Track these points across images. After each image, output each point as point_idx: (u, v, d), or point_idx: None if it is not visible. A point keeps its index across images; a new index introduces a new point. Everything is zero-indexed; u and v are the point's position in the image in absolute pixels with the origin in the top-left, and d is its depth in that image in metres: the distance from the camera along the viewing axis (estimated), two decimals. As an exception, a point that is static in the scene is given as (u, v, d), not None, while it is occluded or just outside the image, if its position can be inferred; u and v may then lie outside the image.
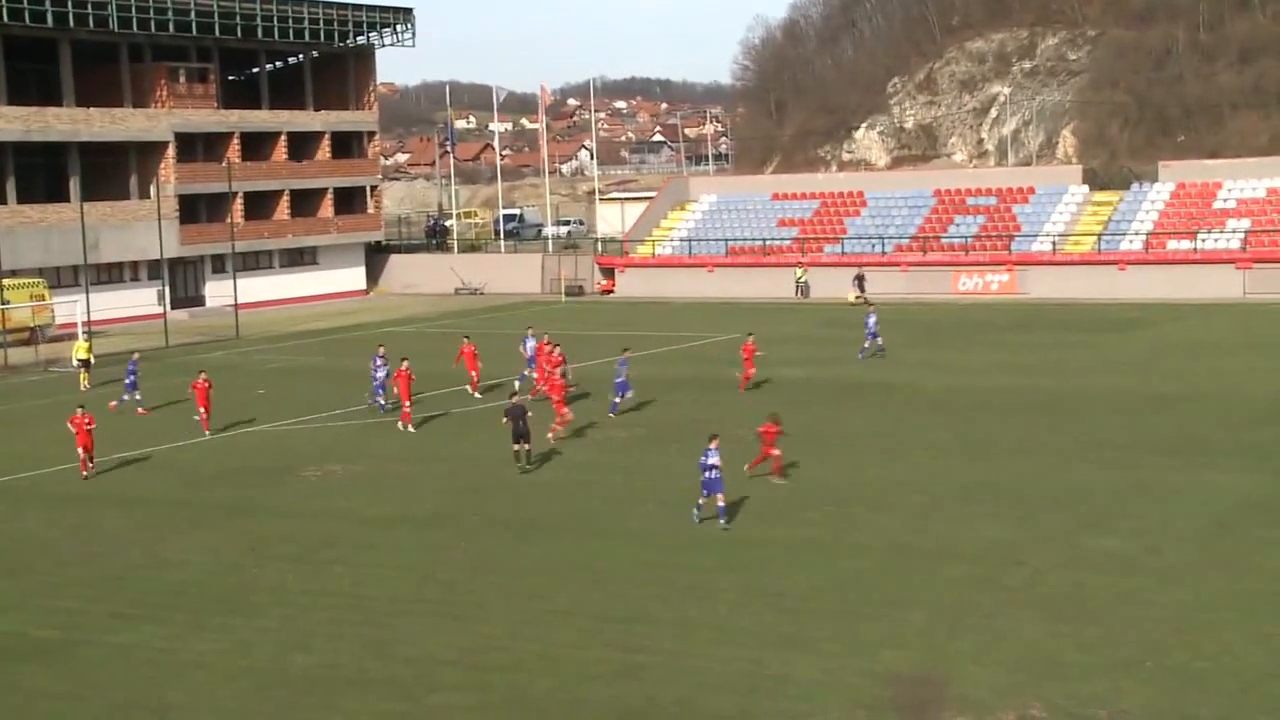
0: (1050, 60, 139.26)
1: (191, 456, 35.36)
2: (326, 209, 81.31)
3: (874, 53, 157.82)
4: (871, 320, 47.76)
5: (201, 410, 37.61)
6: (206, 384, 37.64)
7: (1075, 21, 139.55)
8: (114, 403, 41.79)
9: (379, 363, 40.12)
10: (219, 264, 74.02)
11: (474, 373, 42.27)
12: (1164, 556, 23.38)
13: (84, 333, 52.01)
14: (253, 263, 76.71)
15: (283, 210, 78.96)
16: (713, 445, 26.05)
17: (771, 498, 28.38)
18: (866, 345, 47.31)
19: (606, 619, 21.22)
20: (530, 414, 32.12)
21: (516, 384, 40.23)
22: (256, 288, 74.74)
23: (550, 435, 34.23)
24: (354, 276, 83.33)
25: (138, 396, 41.81)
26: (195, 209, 74.67)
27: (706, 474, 25.89)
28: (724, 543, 25.20)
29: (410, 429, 37.23)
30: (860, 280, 67.25)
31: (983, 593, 21.74)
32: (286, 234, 79.00)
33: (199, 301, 74.91)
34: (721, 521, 25.83)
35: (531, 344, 42.28)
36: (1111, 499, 27.33)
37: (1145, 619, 20.21)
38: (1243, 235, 65.79)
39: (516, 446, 31.61)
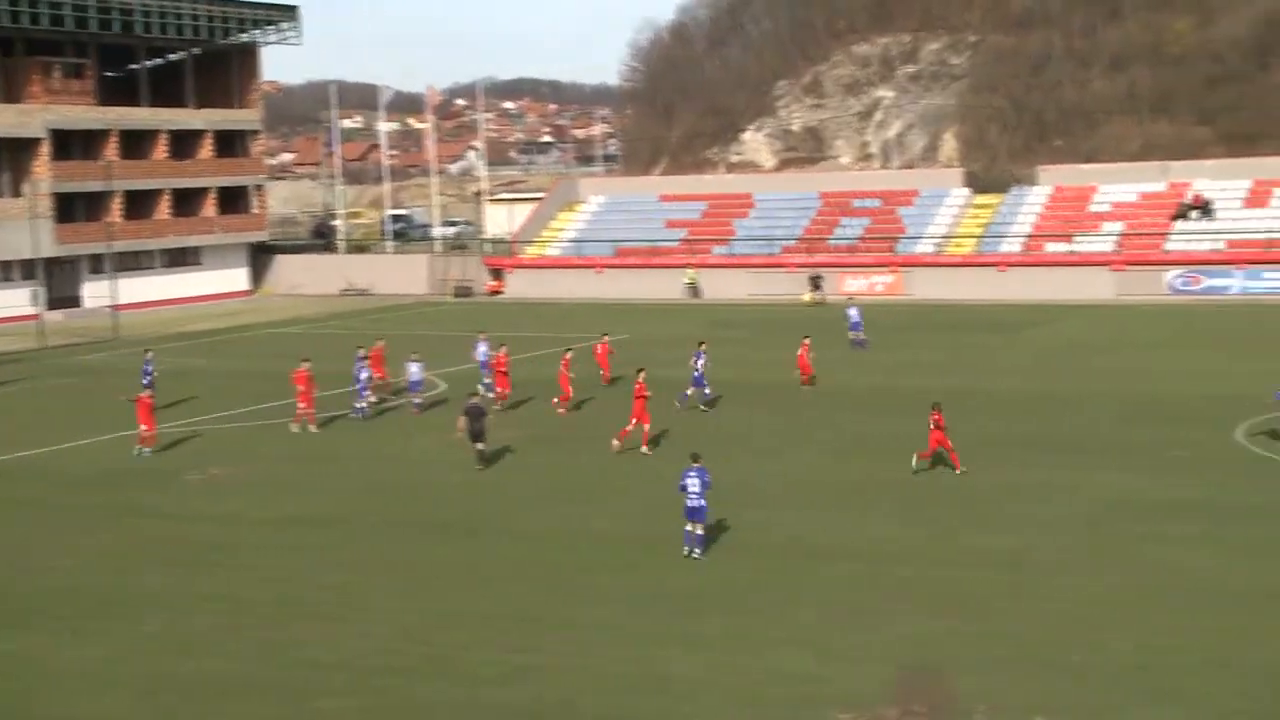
0: (933, 65, 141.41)
1: (70, 461, 34.61)
2: (210, 209, 79.98)
3: (761, 55, 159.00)
4: (854, 312, 50.34)
5: (143, 427, 35.43)
6: (150, 399, 36.15)
7: (956, 27, 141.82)
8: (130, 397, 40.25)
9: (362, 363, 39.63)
10: (98, 264, 72.38)
11: (382, 374, 41.75)
12: (1043, 553, 23.92)
13: None
14: (133, 263, 75.10)
15: (164, 210, 77.51)
16: (696, 465, 23.89)
17: (661, 497, 28.55)
18: (863, 336, 49.57)
19: (496, 620, 21.20)
20: (488, 415, 32.74)
21: (479, 387, 39.74)
22: (137, 288, 73.13)
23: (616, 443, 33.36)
24: (238, 277, 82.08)
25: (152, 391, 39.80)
26: (72, 208, 72.98)
27: (689, 501, 23.61)
28: (614, 543, 25.29)
29: (311, 429, 36.88)
30: (816, 280, 67.98)
31: (869, 590, 22.08)
32: (168, 234, 77.59)
33: (75, 302, 73.22)
34: (696, 551, 23.83)
35: (483, 349, 41.77)
36: (993, 497, 27.89)
37: (1025, 614, 20.67)
38: (1116, 238, 67.46)
39: (480, 446, 31.81)
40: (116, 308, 63.32)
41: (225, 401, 42.12)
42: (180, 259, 79.31)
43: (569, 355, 39.30)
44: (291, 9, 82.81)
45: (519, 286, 76.46)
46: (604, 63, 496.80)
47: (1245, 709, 17.04)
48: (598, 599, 22.05)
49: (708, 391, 38.60)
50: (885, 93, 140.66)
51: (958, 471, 29.53)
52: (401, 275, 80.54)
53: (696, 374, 38.40)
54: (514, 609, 21.72)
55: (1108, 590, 21.71)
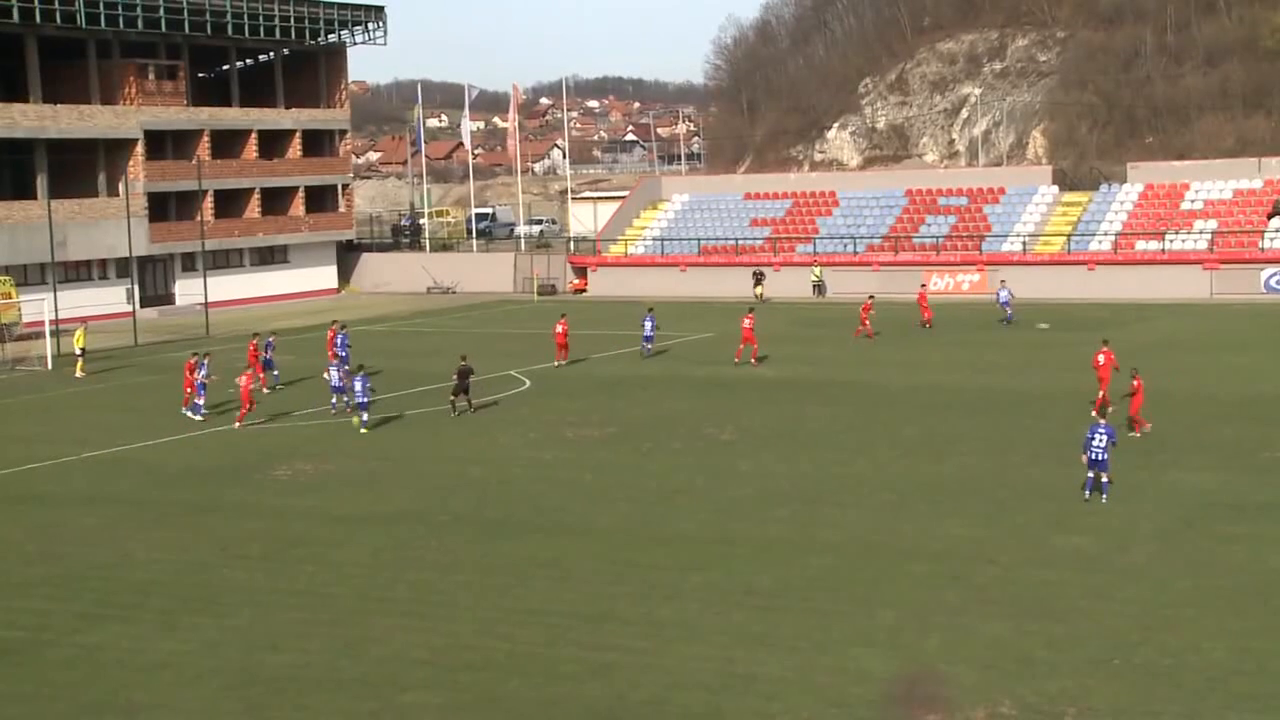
0: (1020, 61, 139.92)
1: (158, 456, 35.16)
2: (297, 207, 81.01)
3: (846, 53, 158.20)
4: (1004, 294, 57.28)
5: (188, 391, 39.82)
6: (194, 363, 39.80)
7: (1045, 23, 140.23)
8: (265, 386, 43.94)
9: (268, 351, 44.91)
10: (189, 262, 73.56)
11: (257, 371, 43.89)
12: (1130, 554, 23.54)
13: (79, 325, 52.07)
14: (223, 261, 76.35)
15: (253, 208, 78.63)
16: (1102, 423, 27.24)
17: (735, 496, 28.47)
18: (1011, 315, 56.48)
19: (576, 617, 21.23)
20: (472, 374, 38.93)
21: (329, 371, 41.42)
22: (227, 286, 74.35)
23: None
24: (325, 275, 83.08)
25: (275, 374, 45.31)
26: (165, 207, 74.28)
27: (1090, 453, 26.69)
28: (692, 541, 25.25)
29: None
30: (759, 276, 70.18)
31: (951, 590, 21.85)
32: (257, 232, 78.73)
33: (168, 300, 74.49)
34: (1102, 497, 26.72)
35: (341, 339, 44.74)
36: (1078, 497, 27.49)
37: (1112, 616, 20.35)
38: (1210, 236, 66.25)
39: (454, 399, 38.36)
40: (208, 305, 64.30)
41: (307, 398, 42.58)
42: (269, 257, 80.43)
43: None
44: (378, 9, 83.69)
45: (603, 285, 76.64)
46: (688, 61, 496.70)
47: (1340, 716, 16.66)
48: (675, 597, 22.00)
49: None
50: (972, 90, 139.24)
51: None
52: (487, 273, 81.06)
53: None
54: (593, 606, 21.73)
55: (1198, 592, 21.31)
